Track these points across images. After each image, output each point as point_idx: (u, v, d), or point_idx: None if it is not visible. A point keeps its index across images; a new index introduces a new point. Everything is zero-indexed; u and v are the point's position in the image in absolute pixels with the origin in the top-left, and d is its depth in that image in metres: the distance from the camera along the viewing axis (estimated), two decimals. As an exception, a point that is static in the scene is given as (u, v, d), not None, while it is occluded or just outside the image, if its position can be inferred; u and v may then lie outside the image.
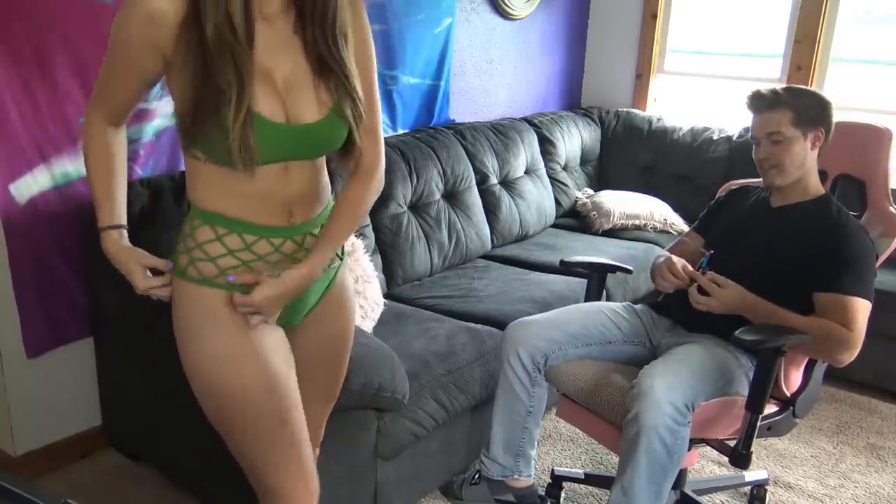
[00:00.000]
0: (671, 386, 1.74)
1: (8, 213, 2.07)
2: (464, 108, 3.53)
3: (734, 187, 2.32)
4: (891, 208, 2.09)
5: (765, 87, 2.01)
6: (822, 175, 2.18)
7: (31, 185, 2.10)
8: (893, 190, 2.13)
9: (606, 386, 1.95)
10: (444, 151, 3.04)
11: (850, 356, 1.87)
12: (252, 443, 1.33)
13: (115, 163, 1.34)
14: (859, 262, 1.90)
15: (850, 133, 2.13)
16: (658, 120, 3.87)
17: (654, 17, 3.94)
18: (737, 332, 1.79)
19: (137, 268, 1.33)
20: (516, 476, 2.14)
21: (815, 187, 2.03)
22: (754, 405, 1.84)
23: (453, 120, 3.44)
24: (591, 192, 3.71)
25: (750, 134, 2.04)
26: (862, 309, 1.88)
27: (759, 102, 1.99)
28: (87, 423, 2.39)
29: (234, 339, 1.29)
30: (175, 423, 2.14)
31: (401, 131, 3.18)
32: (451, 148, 3.08)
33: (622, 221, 3.45)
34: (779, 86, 2.01)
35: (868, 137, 2.14)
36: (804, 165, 1.98)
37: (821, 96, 1.99)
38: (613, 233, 3.43)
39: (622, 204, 3.50)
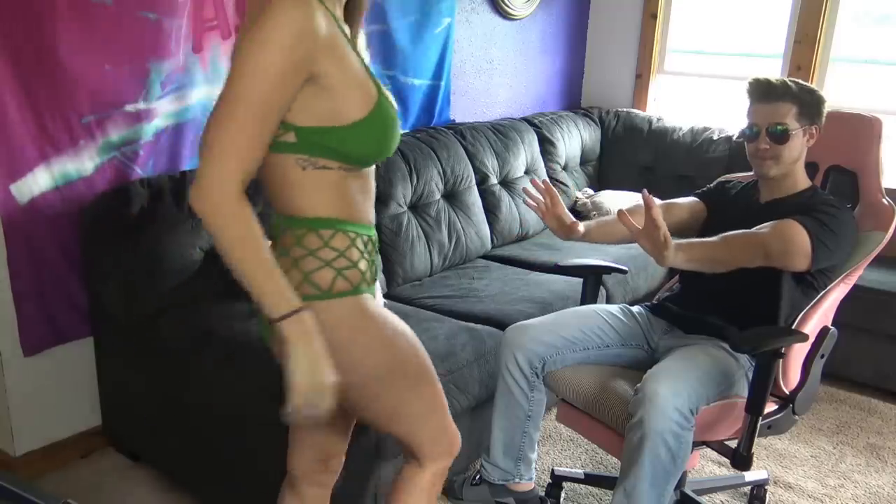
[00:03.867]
0: (677, 391, 1.73)
1: (8, 213, 2.07)
2: (464, 108, 3.53)
3: (721, 180, 2.29)
4: (883, 200, 2.05)
5: (771, 76, 1.97)
6: (814, 167, 2.15)
7: (32, 185, 2.10)
8: (890, 190, 2.11)
9: (607, 394, 1.94)
10: (444, 151, 3.04)
11: (756, 258, 1.82)
12: (428, 413, 1.42)
13: (264, 239, 1.18)
14: (824, 215, 1.87)
15: (840, 123, 2.09)
16: (658, 120, 3.87)
17: (654, 17, 3.94)
18: (733, 340, 1.79)
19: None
20: (517, 480, 2.14)
21: (804, 181, 2.02)
22: (754, 408, 1.84)
23: (453, 120, 3.44)
24: (591, 192, 3.71)
25: (749, 122, 1.99)
26: (797, 234, 1.83)
27: (768, 91, 1.95)
28: (87, 423, 2.39)
29: (392, 325, 1.35)
30: (175, 423, 2.14)
31: (401, 131, 3.18)
32: (451, 148, 3.08)
33: (622, 221, 3.45)
34: (783, 77, 1.98)
35: (858, 127, 2.10)
36: (798, 160, 1.99)
37: (820, 93, 1.98)
38: (613, 233, 3.43)
39: (622, 204, 3.48)
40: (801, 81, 1.97)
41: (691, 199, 2.23)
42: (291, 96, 1.15)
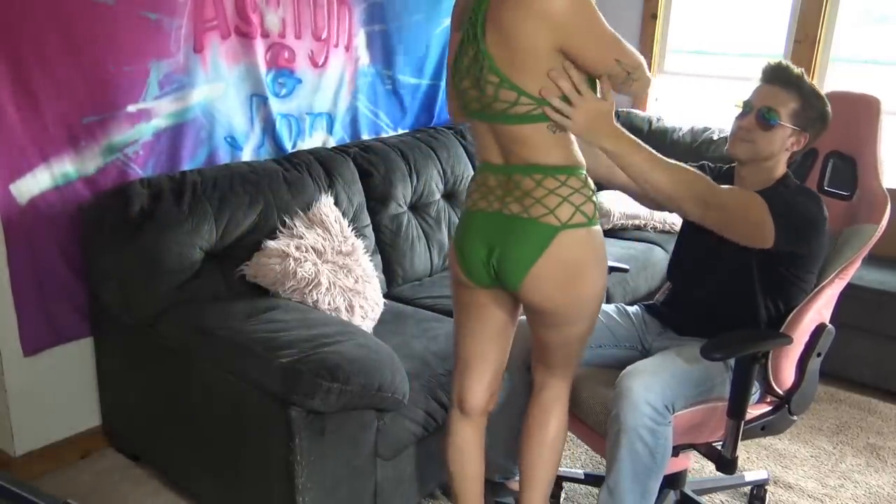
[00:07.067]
0: (648, 387, 1.73)
1: (8, 213, 2.07)
2: (464, 108, 3.52)
3: (702, 164, 2.19)
4: (879, 188, 1.95)
5: (793, 65, 1.87)
6: (813, 153, 2.08)
7: (32, 185, 2.10)
8: (891, 191, 2.03)
9: (590, 398, 1.93)
10: (444, 151, 3.04)
11: (705, 216, 1.72)
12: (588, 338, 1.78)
13: None
14: (789, 199, 1.79)
15: (839, 104, 1.95)
16: (658, 120, 3.86)
17: (654, 17, 3.94)
18: (704, 345, 1.73)
19: None
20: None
21: (779, 174, 1.92)
22: (735, 412, 1.81)
23: (453, 120, 3.44)
24: (591, 192, 3.71)
25: (748, 97, 1.89)
26: (755, 203, 1.75)
27: (778, 74, 1.85)
28: (86, 423, 2.40)
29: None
30: (175, 423, 2.15)
31: (401, 131, 3.18)
32: (451, 148, 3.08)
33: (622, 221, 3.45)
34: (802, 70, 1.87)
35: (856, 108, 1.99)
36: (773, 157, 1.88)
37: (827, 107, 1.87)
38: (613, 233, 3.43)
39: (622, 204, 3.50)
40: (817, 88, 1.87)
41: None
42: None
